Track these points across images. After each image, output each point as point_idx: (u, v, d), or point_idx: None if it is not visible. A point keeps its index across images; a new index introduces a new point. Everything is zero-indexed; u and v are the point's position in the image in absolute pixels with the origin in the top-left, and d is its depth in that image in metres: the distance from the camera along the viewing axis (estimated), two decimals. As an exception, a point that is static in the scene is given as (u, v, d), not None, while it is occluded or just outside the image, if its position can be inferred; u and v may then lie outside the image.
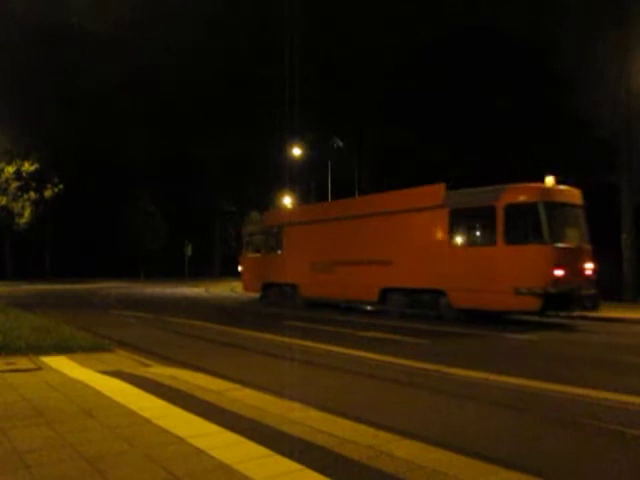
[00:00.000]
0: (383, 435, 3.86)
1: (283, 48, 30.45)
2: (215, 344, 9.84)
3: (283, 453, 3.33)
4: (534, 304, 11.75)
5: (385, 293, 15.13)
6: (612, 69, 18.80)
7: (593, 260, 12.65)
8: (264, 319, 15.07)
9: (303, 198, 36.65)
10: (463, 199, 13.43)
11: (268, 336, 10.53)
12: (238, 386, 5.55)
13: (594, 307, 12.37)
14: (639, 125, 19.42)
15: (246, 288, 21.92)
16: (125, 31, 33.18)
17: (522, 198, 12.38)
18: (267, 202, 37.77)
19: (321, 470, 3.06)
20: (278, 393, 5.23)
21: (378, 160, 33.57)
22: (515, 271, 12.09)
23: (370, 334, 11.01)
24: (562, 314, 13.09)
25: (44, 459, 3.24)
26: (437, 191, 13.91)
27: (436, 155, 27.47)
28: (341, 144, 30.54)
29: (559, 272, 11.73)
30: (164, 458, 3.25)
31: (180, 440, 3.61)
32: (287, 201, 36.13)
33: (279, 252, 19.44)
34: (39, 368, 6.31)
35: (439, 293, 13.62)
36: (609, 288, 19.92)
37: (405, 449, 3.52)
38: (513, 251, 12.28)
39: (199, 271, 47.57)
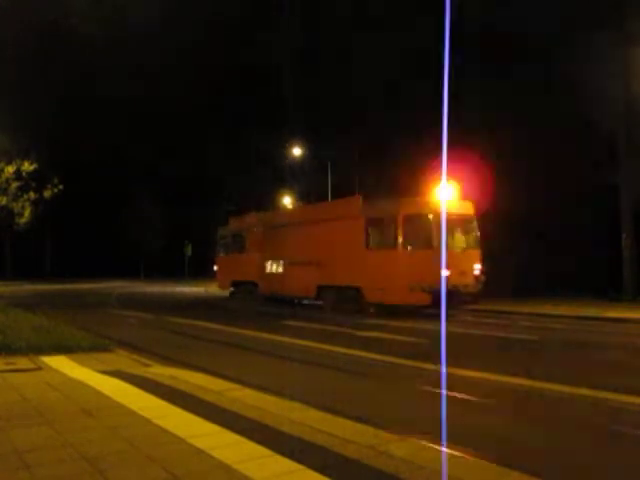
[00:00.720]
0: (383, 435, 3.85)
1: (283, 47, 30.44)
2: (215, 344, 9.84)
3: (283, 453, 3.33)
4: (425, 299, 13.59)
5: (321, 290, 17.02)
6: (612, 69, 18.77)
7: (481, 261, 14.73)
8: (264, 319, 15.08)
9: (303, 198, 36.61)
10: (374, 209, 15.49)
11: (268, 336, 10.53)
12: (238, 386, 5.54)
13: (474, 302, 14.61)
14: (639, 125, 19.39)
15: (220, 286, 23.93)
16: (125, 31, 33.14)
17: (416, 209, 14.39)
18: (267, 202, 37.70)
19: (321, 470, 3.06)
20: (278, 393, 5.23)
21: (378, 161, 33.50)
22: (410, 271, 13.97)
23: (370, 334, 11.01)
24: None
25: (44, 459, 3.24)
26: (355, 202, 16.19)
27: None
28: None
29: (445, 273, 13.15)
30: (164, 458, 3.25)
31: (180, 440, 3.61)
32: (287, 201, 36.21)
33: (244, 254, 21.52)
34: (39, 368, 6.31)
35: (358, 290, 15.47)
36: (609, 288, 19.98)
37: (405, 449, 3.51)
38: (409, 254, 14.32)
39: (199, 271, 47.50)
